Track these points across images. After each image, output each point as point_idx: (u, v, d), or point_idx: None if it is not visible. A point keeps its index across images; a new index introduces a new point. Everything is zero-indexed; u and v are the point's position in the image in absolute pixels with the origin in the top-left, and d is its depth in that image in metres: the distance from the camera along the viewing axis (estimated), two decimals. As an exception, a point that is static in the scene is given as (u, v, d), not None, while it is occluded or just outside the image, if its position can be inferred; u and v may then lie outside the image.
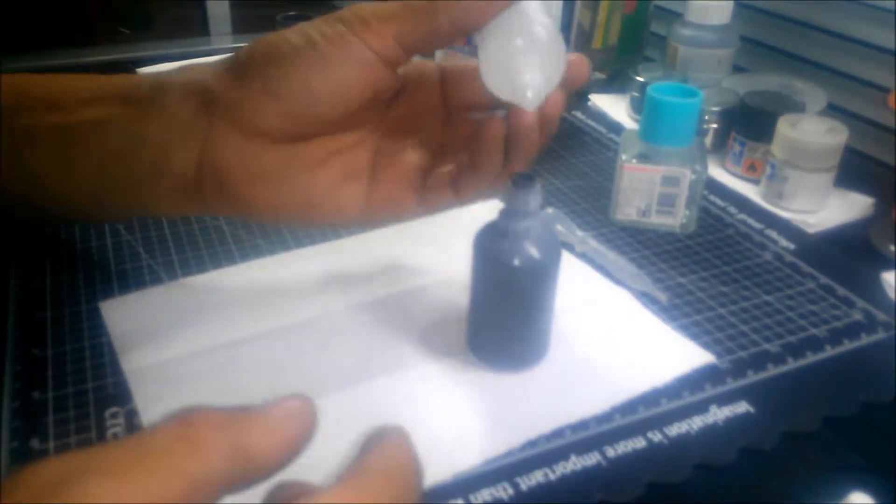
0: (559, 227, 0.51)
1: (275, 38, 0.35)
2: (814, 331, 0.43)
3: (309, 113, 0.35)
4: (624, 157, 0.50)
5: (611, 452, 0.35)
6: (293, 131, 0.35)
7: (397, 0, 0.33)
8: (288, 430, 0.20)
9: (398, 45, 0.33)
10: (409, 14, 0.33)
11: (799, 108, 0.59)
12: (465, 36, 0.34)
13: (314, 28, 0.34)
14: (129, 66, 0.80)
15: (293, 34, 0.34)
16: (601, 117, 0.71)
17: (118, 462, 0.17)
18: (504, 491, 0.33)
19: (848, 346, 0.42)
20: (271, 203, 0.37)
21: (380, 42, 0.33)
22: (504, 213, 0.35)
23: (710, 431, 0.36)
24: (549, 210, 0.52)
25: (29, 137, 0.39)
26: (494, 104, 0.35)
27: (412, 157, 0.38)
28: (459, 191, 0.38)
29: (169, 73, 0.38)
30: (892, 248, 0.51)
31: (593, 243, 0.49)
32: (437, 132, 0.38)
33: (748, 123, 0.59)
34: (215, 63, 0.37)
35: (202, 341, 0.40)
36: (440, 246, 0.49)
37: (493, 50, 0.33)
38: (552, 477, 0.33)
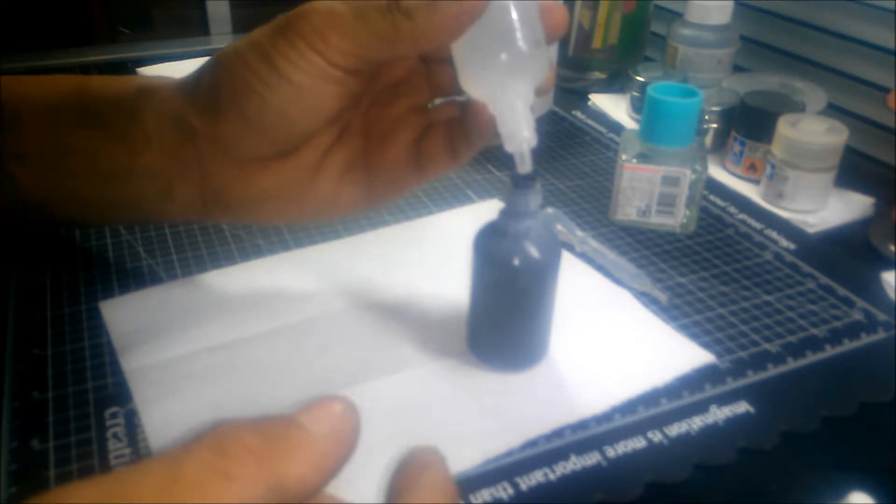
0: (559, 227, 0.51)
1: (236, 67, 0.33)
2: (814, 331, 0.43)
3: (292, 133, 0.34)
4: (624, 157, 0.50)
5: (611, 452, 0.35)
6: (281, 150, 0.35)
7: (357, 16, 0.31)
8: (328, 453, 0.19)
9: (363, 60, 0.32)
10: (371, 38, 0.31)
11: (799, 108, 0.59)
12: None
13: (271, 45, 0.32)
14: (129, 66, 0.80)
15: (253, 56, 0.32)
16: (601, 117, 0.71)
17: (148, 495, 0.16)
18: (504, 491, 0.33)
19: (848, 346, 0.42)
20: (280, 216, 0.38)
21: (343, 58, 0.31)
22: (504, 213, 0.35)
23: (710, 431, 0.36)
24: (549, 210, 0.52)
25: (18, 158, 0.39)
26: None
27: (403, 128, 0.37)
28: (457, 155, 0.36)
29: (133, 96, 0.37)
30: (892, 248, 0.51)
31: (593, 243, 0.49)
32: (424, 90, 0.37)
33: (748, 123, 0.59)
34: (181, 88, 0.36)
35: (202, 341, 0.40)
36: (440, 246, 0.49)
37: (475, 65, 0.32)
38: (552, 477, 0.33)
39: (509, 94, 0.32)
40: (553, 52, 0.68)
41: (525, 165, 0.32)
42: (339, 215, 0.39)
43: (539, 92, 0.33)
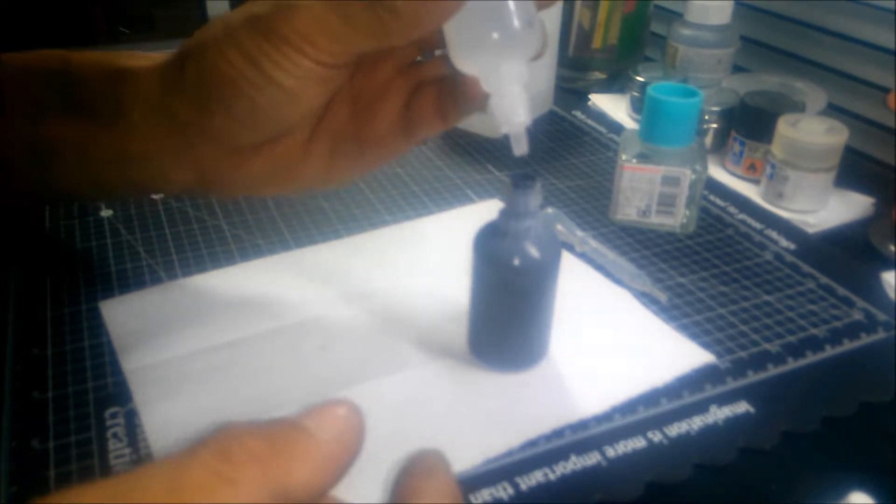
0: (559, 227, 0.51)
1: (222, 65, 0.32)
2: (814, 331, 0.43)
3: (283, 126, 0.34)
4: (624, 157, 0.50)
5: (611, 452, 0.35)
6: (273, 136, 0.35)
7: (341, 17, 0.30)
8: (333, 457, 0.19)
9: (351, 55, 0.32)
10: (358, 36, 0.30)
11: (799, 108, 0.59)
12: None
13: (256, 47, 0.31)
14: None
15: (237, 57, 0.31)
16: (601, 117, 0.71)
17: (152, 499, 0.16)
18: (504, 491, 0.33)
19: (848, 346, 0.42)
20: (277, 189, 0.38)
21: (331, 58, 0.31)
22: (504, 213, 0.35)
23: (710, 431, 0.36)
24: (549, 210, 0.52)
25: (9, 146, 0.39)
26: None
27: (391, 95, 0.36)
28: (446, 118, 0.35)
29: (115, 80, 0.36)
30: (892, 248, 0.51)
31: (593, 243, 0.49)
32: (411, 48, 0.36)
33: (748, 123, 0.59)
34: (165, 78, 0.35)
35: (202, 341, 0.40)
36: (440, 246, 0.49)
37: (467, 44, 0.31)
38: (552, 477, 0.33)
39: (503, 76, 0.31)
40: (553, 50, 0.68)
41: (521, 147, 0.32)
42: (334, 184, 0.39)
43: (532, 59, 0.32)
